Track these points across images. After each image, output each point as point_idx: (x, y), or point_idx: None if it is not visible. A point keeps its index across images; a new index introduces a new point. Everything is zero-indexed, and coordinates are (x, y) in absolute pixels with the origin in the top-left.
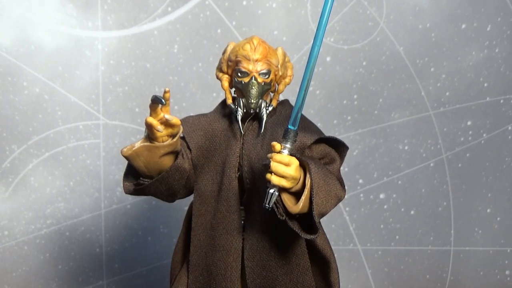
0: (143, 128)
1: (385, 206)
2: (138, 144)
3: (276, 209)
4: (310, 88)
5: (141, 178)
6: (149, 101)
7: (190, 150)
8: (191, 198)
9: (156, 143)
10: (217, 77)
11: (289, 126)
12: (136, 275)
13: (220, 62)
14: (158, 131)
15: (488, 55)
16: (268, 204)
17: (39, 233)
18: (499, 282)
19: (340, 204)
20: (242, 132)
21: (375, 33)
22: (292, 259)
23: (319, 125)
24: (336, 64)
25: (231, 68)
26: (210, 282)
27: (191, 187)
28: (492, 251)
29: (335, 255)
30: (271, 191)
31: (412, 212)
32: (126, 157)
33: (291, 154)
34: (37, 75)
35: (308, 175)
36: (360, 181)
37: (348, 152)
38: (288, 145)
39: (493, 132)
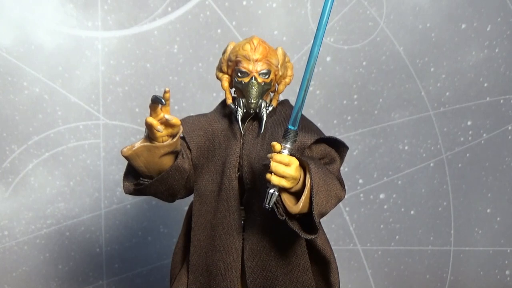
0: (143, 128)
1: (385, 206)
2: (138, 144)
3: (276, 209)
4: (310, 88)
5: (141, 178)
6: (149, 101)
7: (190, 150)
8: (191, 198)
9: (156, 143)
10: (217, 77)
11: (289, 126)
12: (136, 275)
13: (220, 62)
14: (158, 131)
15: (488, 55)
16: (268, 204)
17: (39, 233)
18: (499, 282)
19: (340, 204)
20: (242, 132)
21: (375, 33)
22: (292, 259)
23: (319, 125)
24: (336, 64)
25: (231, 68)
26: (210, 282)
27: (191, 187)
28: (492, 251)
29: (335, 255)
30: (271, 191)
31: (412, 212)
32: (126, 157)
33: (291, 154)
34: (37, 75)
35: (308, 175)
36: (360, 181)
37: (348, 152)
38: (288, 145)
39: (493, 132)
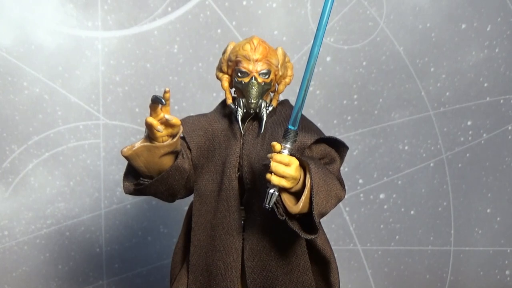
0: (143, 128)
1: (385, 206)
2: (138, 144)
3: (276, 209)
4: (310, 88)
5: (141, 178)
6: (149, 101)
7: (190, 150)
8: (191, 198)
9: (156, 143)
10: (217, 77)
11: (289, 126)
12: (136, 275)
13: (220, 62)
14: (158, 131)
15: (488, 55)
16: (268, 204)
17: (39, 233)
18: (499, 282)
19: (340, 204)
20: (242, 132)
21: (375, 33)
22: (292, 259)
23: (319, 125)
24: (336, 64)
25: (231, 68)
26: (210, 282)
27: (191, 187)
28: (492, 251)
29: (335, 255)
30: (271, 191)
31: (412, 212)
32: (126, 157)
33: (291, 154)
34: (37, 75)
35: (308, 175)
36: (360, 181)
37: (348, 152)
38: (288, 145)
39: (493, 132)
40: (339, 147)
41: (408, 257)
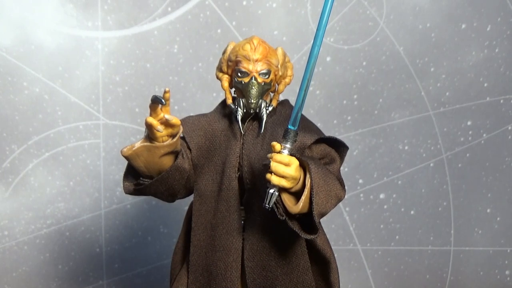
0: (143, 128)
1: (385, 206)
2: (138, 144)
3: (276, 209)
4: (310, 88)
5: (141, 178)
6: (149, 101)
7: (190, 150)
8: (191, 198)
9: (156, 143)
10: (217, 77)
11: (289, 126)
12: (136, 275)
13: (220, 62)
14: (158, 131)
15: (488, 55)
16: (268, 204)
17: (39, 233)
18: (499, 282)
19: (340, 204)
20: (242, 132)
21: (375, 33)
22: (292, 259)
23: (319, 125)
24: (336, 64)
25: (231, 68)
26: (210, 282)
27: (191, 187)
28: (492, 251)
29: (335, 255)
30: (271, 191)
31: (412, 212)
32: (126, 157)
33: (291, 154)
34: (37, 75)
35: (308, 175)
36: (360, 181)
37: (348, 152)
38: (288, 145)
39: (493, 132)
40: (339, 147)
41: (408, 257)
